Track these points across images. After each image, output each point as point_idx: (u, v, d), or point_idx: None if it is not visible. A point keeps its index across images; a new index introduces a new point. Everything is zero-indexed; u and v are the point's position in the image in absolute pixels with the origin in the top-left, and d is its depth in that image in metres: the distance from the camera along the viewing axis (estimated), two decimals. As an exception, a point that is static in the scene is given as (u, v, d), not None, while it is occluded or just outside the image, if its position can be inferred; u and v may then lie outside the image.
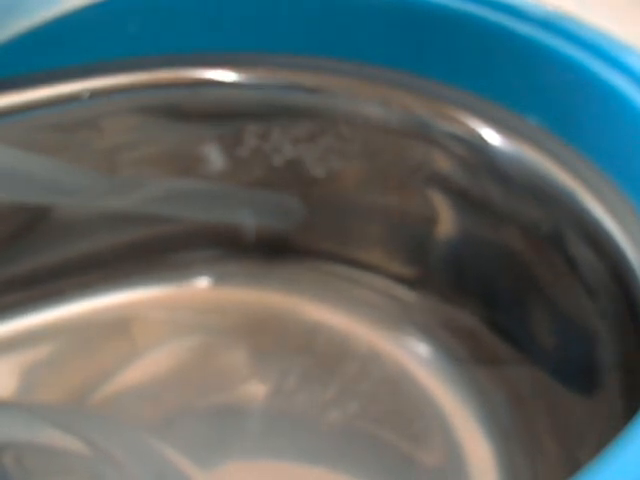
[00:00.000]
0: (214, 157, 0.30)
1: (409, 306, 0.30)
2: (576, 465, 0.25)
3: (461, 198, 0.28)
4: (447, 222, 0.29)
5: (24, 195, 0.28)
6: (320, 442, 0.27)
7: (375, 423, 0.28)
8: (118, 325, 0.30)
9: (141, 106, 0.29)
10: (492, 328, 0.29)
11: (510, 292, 0.28)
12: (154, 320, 0.30)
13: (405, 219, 0.30)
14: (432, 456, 0.27)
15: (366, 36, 0.28)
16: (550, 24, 0.26)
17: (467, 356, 0.29)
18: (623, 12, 0.27)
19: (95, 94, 0.28)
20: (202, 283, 0.31)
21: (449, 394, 0.28)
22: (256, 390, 0.28)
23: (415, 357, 0.29)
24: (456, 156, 0.28)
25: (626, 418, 0.19)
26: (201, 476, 0.26)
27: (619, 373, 0.25)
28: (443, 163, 0.28)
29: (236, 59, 0.29)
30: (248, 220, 0.31)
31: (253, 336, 0.30)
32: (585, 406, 0.26)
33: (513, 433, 0.27)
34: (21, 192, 0.28)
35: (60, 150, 0.28)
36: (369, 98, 0.28)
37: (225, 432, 0.27)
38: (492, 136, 0.27)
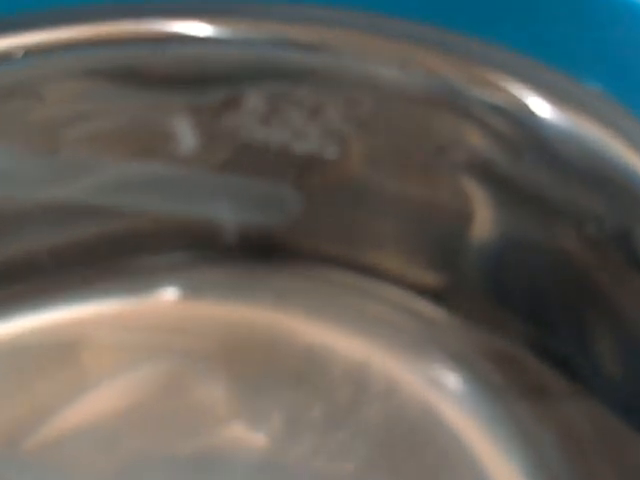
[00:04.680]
0: (184, 134, 0.29)
1: (435, 325, 0.29)
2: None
3: (501, 187, 0.27)
4: (484, 218, 0.28)
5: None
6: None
7: (392, 475, 0.26)
8: (62, 350, 0.29)
9: (90, 68, 0.28)
10: (541, 354, 0.28)
11: (564, 307, 0.27)
12: (108, 343, 0.29)
13: (430, 214, 0.29)
14: (465, 517, 0.27)
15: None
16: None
17: (509, 390, 0.27)
18: None
19: (31, 53, 0.27)
20: (170, 295, 0.30)
21: (486, 438, 0.27)
22: (238, 434, 0.27)
23: (443, 391, 0.28)
24: (495, 132, 0.27)
25: None
26: None
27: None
28: (478, 141, 0.27)
29: (212, 9, 0.28)
30: (228, 215, 0.30)
31: (235, 364, 0.28)
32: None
33: (567, 487, 0.27)
34: None
35: (-15, 124, 0.28)
36: (383, 58, 0.27)
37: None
38: (541, 106, 0.26)
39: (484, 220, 0.28)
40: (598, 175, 0.26)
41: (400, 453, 0.27)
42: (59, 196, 0.29)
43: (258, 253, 0.30)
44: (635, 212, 0.25)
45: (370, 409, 0.27)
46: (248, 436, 0.27)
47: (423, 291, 0.29)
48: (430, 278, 0.29)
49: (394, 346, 0.29)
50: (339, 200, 0.29)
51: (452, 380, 0.28)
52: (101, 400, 0.27)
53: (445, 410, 0.27)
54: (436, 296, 0.29)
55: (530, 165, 0.27)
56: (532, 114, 0.26)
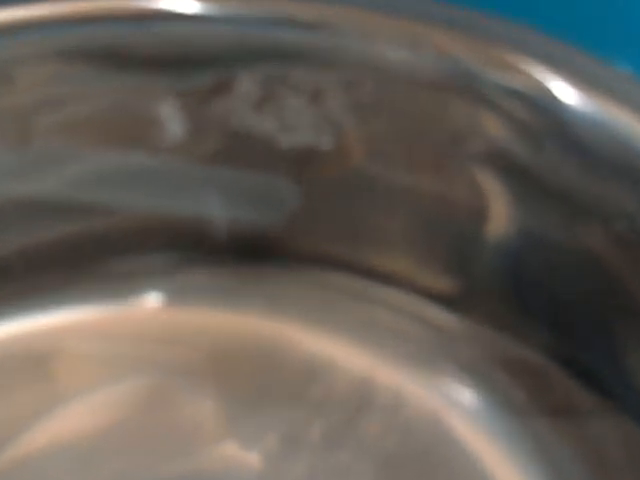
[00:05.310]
0: (169, 121, 0.28)
1: (447, 334, 0.28)
2: None
3: (521, 180, 0.27)
4: (501, 214, 0.27)
5: None
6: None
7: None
8: (33, 361, 0.28)
9: (66, 49, 0.27)
10: (565, 366, 0.27)
11: (591, 314, 0.26)
12: (84, 354, 0.28)
13: (442, 210, 0.28)
14: None
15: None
16: None
17: (530, 406, 0.27)
18: None
19: (0, 32, 0.27)
20: (152, 301, 0.29)
21: (504, 459, 0.26)
22: (229, 454, 0.26)
23: (456, 407, 0.27)
24: (514, 119, 0.26)
25: None
26: None
27: None
28: (496, 130, 0.26)
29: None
30: (218, 211, 0.29)
31: (224, 377, 0.27)
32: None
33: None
34: None
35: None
36: (390, 38, 0.27)
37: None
38: (565, 91, 0.25)
39: (501, 217, 0.27)
40: (628, 166, 0.25)
41: (408, 475, 0.26)
42: (29, 192, 0.28)
43: (251, 254, 0.29)
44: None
45: (374, 427, 0.26)
46: (240, 456, 0.26)
47: (434, 296, 0.29)
48: (442, 282, 0.29)
49: (401, 357, 0.28)
50: (341, 195, 0.29)
51: (466, 395, 0.27)
52: (76, 417, 0.26)
53: (458, 428, 0.26)
54: (448, 302, 0.29)
55: (552, 156, 0.26)
56: (555, 99, 0.26)
